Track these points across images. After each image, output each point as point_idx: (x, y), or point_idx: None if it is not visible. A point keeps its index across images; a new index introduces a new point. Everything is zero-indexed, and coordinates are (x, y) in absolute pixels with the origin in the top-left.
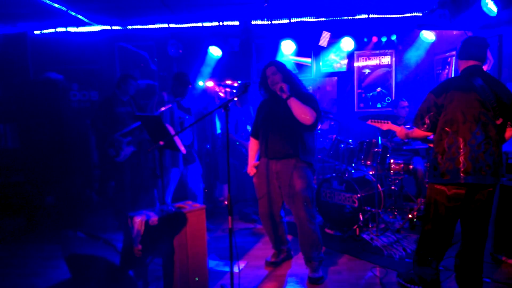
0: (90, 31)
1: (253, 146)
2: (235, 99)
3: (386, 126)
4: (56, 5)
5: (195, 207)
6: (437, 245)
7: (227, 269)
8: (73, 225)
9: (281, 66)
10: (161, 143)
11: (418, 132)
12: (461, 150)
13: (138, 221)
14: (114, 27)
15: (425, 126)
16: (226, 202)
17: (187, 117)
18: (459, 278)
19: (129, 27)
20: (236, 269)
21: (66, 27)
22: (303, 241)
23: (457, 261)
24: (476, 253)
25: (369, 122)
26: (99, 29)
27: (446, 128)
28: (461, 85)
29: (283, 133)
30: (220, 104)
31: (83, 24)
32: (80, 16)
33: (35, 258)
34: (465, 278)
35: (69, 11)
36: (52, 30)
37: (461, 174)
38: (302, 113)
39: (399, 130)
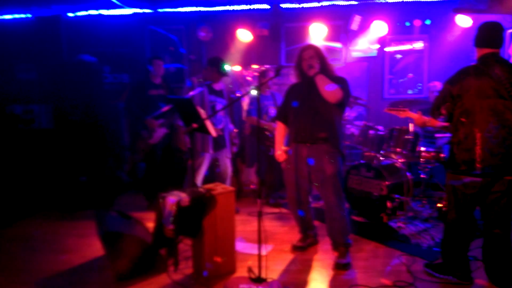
0: (122, 14)
1: (280, 130)
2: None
3: (404, 114)
4: None
5: (225, 190)
6: (462, 234)
7: (253, 251)
8: (105, 205)
9: (319, 51)
10: (194, 125)
11: (435, 122)
12: (477, 141)
13: (170, 202)
14: (145, 10)
15: (441, 116)
16: (252, 186)
17: (218, 100)
18: (488, 269)
19: (160, 10)
20: (263, 252)
21: (98, 10)
22: (332, 227)
23: (484, 252)
24: (500, 244)
25: (386, 110)
26: (130, 12)
27: (462, 119)
28: (476, 74)
29: (314, 117)
30: (252, 87)
31: (115, 6)
32: None
33: (69, 236)
34: (493, 269)
35: None
36: (85, 12)
37: (477, 165)
38: (328, 89)
39: (417, 118)
